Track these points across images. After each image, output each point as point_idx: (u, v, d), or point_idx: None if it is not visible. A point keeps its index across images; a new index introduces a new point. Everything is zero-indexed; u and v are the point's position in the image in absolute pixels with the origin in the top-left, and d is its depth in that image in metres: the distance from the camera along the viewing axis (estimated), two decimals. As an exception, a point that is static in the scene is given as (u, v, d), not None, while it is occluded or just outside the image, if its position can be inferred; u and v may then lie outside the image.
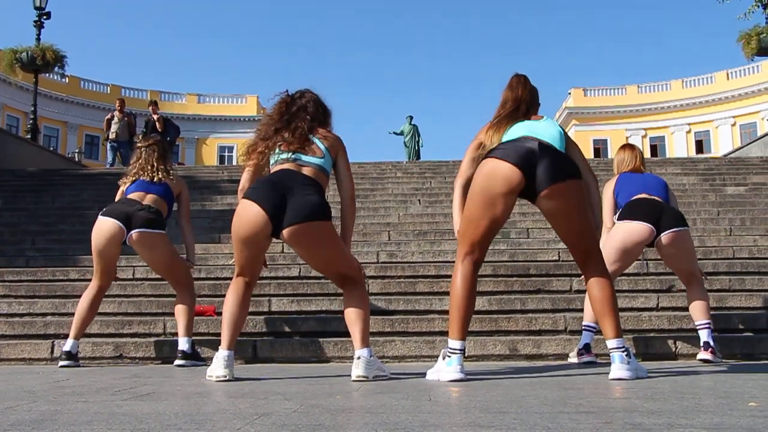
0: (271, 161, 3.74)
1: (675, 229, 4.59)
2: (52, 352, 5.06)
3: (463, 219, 3.60)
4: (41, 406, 2.51)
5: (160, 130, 14.39)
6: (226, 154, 46.60)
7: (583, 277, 3.70)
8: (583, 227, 3.50)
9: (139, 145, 5.21)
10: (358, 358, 3.47)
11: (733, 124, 44.09)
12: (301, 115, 3.79)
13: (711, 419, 2.05)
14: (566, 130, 3.79)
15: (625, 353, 3.34)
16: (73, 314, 5.00)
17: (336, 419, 2.13)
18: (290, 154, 3.67)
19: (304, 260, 3.85)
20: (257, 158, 3.77)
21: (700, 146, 44.77)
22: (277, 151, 3.71)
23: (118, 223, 4.67)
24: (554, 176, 3.36)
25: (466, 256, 3.54)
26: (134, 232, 4.67)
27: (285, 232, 3.46)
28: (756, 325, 5.36)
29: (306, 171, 3.63)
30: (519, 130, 3.59)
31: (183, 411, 2.33)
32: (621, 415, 2.15)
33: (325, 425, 2.00)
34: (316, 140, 3.73)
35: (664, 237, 4.58)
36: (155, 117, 14.92)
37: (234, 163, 43.77)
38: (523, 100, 3.77)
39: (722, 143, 43.30)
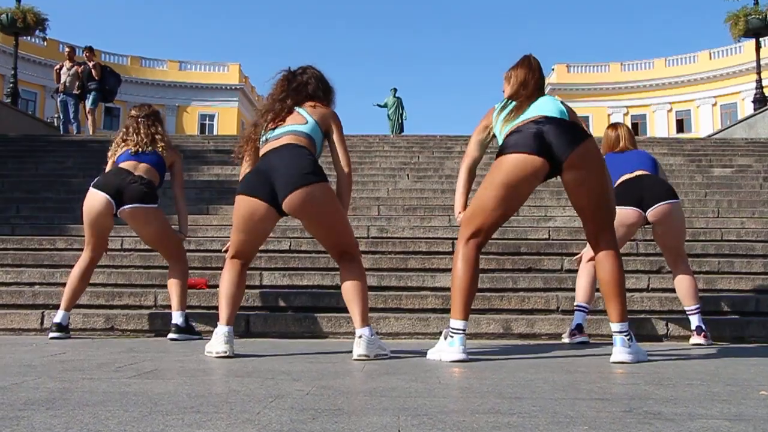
0: (260, 145, 3.68)
1: (661, 203, 4.60)
2: (42, 322, 5.01)
3: (474, 204, 3.54)
4: (47, 383, 2.47)
5: (96, 78, 13.71)
6: (207, 122, 46.17)
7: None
8: (603, 194, 3.46)
9: (133, 114, 5.09)
10: (360, 337, 3.45)
11: (714, 104, 44.40)
12: (299, 92, 3.73)
13: (728, 409, 2.05)
14: (569, 108, 3.73)
15: (627, 337, 3.36)
16: (62, 284, 4.94)
17: (353, 403, 2.11)
18: (270, 132, 3.62)
19: (309, 231, 3.78)
20: (251, 148, 3.72)
21: (680, 125, 45.07)
22: (262, 133, 3.66)
23: (108, 197, 4.60)
24: (569, 143, 3.35)
25: (471, 239, 3.51)
26: (127, 208, 4.59)
27: (284, 206, 3.43)
28: (745, 308, 5.41)
29: (285, 139, 3.56)
30: (529, 112, 3.55)
31: (194, 391, 2.30)
32: (637, 402, 2.15)
33: (345, 410, 1.98)
34: (300, 110, 3.67)
35: (651, 213, 4.60)
36: (90, 64, 13.91)
37: (215, 132, 43.47)
38: (539, 82, 3.74)
39: (703, 123, 43.64)
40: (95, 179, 4.77)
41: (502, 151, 3.49)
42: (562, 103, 3.67)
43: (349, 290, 3.54)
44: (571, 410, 2.01)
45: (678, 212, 4.70)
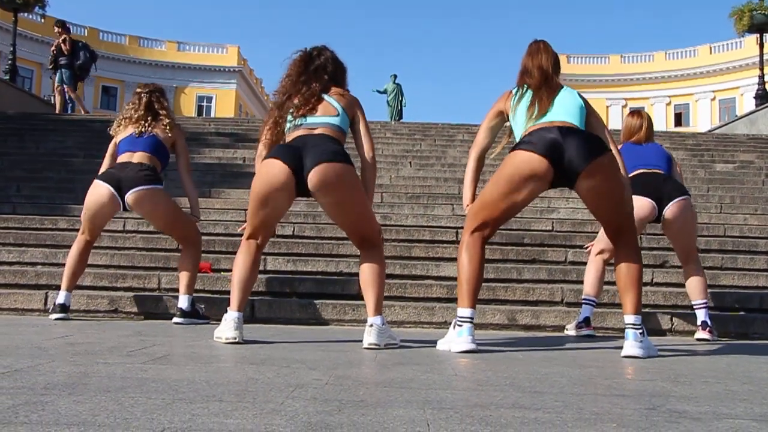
0: (286, 129, 3.64)
1: (678, 199, 4.57)
2: (45, 303, 4.97)
3: (481, 197, 3.54)
4: (63, 366, 2.45)
5: (66, 52, 13.40)
6: (205, 104, 45.95)
7: (589, 248, 3.64)
8: (620, 202, 3.46)
9: (137, 90, 5.05)
10: (371, 325, 3.44)
11: (713, 99, 44.39)
12: (319, 75, 3.69)
13: (752, 409, 2.05)
14: (585, 99, 3.70)
15: (640, 331, 3.35)
16: (64, 265, 4.91)
17: (375, 395, 2.10)
18: (302, 119, 3.58)
19: (331, 215, 3.73)
20: (272, 128, 3.68)
21: (678, 119, 45.10)
22: (289, 118, 3.61)
23: (111, 189, 4.57)
24: (587, 155, 3.32)
25: (476, 231, 3.50)
26: (129, 194, 4.56)
27: (309, 178, 3.37)
28: (749, 305, 5.41)
29: (320, 131, 3.54)
30: (553, 113, 3.50)
31: (212, 379, 2.28)
32: (659, 400, 2.14)
33: (369, 402, 1.97)
34: (330, 99, 3.64)
35: (668, 211, 4.57)
36: (60, 39, 13.55)
37: (213, 114, 43.27)
38: (546, 70, 3.68)
39: (701, 117, 43.67)
40: (100, 173, 4.73)
41: (516, 146, 3.49)
42: (580, 96, 3.64)
43: (367, 278, 3.53)
44: (595, 407, 2.00)
45: (691, 209, 4.70)
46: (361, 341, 3.46)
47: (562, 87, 3.68)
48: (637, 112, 5.12)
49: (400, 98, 25.77)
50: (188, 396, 1.95)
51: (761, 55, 16.62)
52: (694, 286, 4.67)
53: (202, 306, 4.83)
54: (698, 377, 2.73)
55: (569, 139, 3.36)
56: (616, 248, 3.52)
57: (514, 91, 3.69)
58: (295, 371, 2.52)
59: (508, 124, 3.79)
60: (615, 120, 44.48)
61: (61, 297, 4.63)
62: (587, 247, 5.09)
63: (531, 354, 3.44)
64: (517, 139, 3.57)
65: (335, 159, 3.39)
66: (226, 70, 46.67)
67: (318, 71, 3.70)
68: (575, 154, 3.32)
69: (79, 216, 5.02)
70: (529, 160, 3.37)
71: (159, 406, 1.80)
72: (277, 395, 2.01)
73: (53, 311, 4.60)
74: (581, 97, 3.65)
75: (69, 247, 5.62)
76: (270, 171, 3.43)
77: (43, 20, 37.66)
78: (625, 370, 2.94)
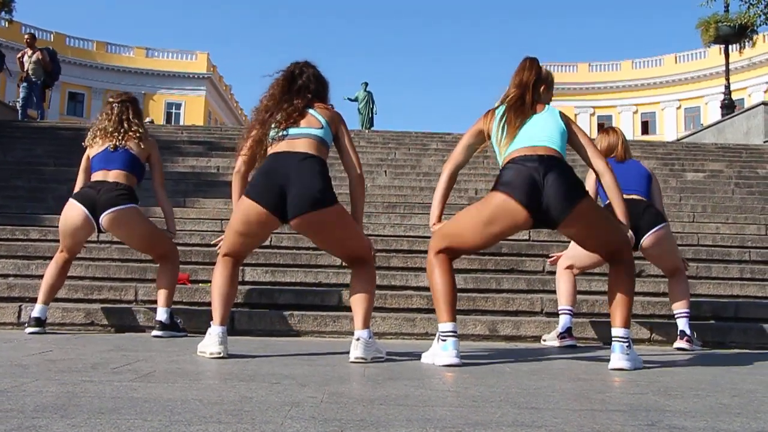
0: (269, 141, 3.61)
1: (653, 230, 4.57)
2: (18, 316, 4.87)
3: (453, 225, 3.52)
4: (48, 386, 2.39)
5: None
6: (174, 111, 45.51)
7: (557, 257, 3.64)
8: (609, 236, 3.47)
9: (110, 100, 4.97)
10: (358, 339, 3.42)
11: (679, 107, 45.13)
12: (303, 95, 3.67)
13: (749, 424, 2.06)
14: (568, 120, 3.67)
15: (627, 344, 3.36)
16: (37, 276, 4.82)
17: (373, 413, 2.07)
18: (284, 131, 3.54)
19: (316, 244, 3.79)
20: (253, 146, 3.63)
21: (645, 127, 45.76)
22: (272, 132, 3.58)
23: (86, 211, 4.48)
24: (566, 205, 3.29)
25: (443, 252, 3.51)
26: (104, 216, 4.47)
27: (292, 223, 3.42)
28: (724, 314, 5.47)
29: (302, 144, 3.49)
30: (521, 136, 3.46)
31: (205, 397, 2.24)
32: (655, 415, 2.15)
33: (369, 421, 1.94)
34: (313, 112, 3.61)
35: (645, 241, 4.58)
36: None
37: (182, 121, 42.91)
38: (525, 85, 3.65)
39: (667, 125, 44.36)
40: (75, 191, 4.65)
41: (496, 184, 3.42)
42: (562, 117, 3.60)
43: (357, 293, 3.53)
44: (594, 423, 1.99)
45: (668, 234, 4.71)
46: (345, 353, 3.45)
47: (546, 107, 3.63)
48: (611, 129, 5.13)
49: (371, 106, 25.73)
50: (185, 417, 1.91)
51: (727, 65, 16.93)
52: (676, 296, 4.73)
53: (180, 319, 4.76)
54: (688, 390, 2.74)
55: (549, 178, 3.29)
56: (612, 264, 3.53)
57: (497, 112, 3.64)
58: (287, 388, 2.49)
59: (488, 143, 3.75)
60: (583, 128, 44.97)
61: (36, 310, 4.53)
62: (551, 259, 5.12)
63: (518, 367, 3.44)
64: (499, 162, 3.54)
65: (317, 207, 3.36)
66: (196, 76, 46.31)
67: (301, 91, 3.68)
68: (553, 203, 3.29)
69: (52, 226, 4.94)
70: (509, 209, 3.33)
71: (157, 429, 1.76)
72: (274, 415, 1.98)
73: (28, 325, 4.50)
74: (563, 118, 3.60)
75: (42, 258, 5.54)
76: (250, 212, 3.42)
77: (8, 25, 37.10)
78: (614, 383, 2.95)
